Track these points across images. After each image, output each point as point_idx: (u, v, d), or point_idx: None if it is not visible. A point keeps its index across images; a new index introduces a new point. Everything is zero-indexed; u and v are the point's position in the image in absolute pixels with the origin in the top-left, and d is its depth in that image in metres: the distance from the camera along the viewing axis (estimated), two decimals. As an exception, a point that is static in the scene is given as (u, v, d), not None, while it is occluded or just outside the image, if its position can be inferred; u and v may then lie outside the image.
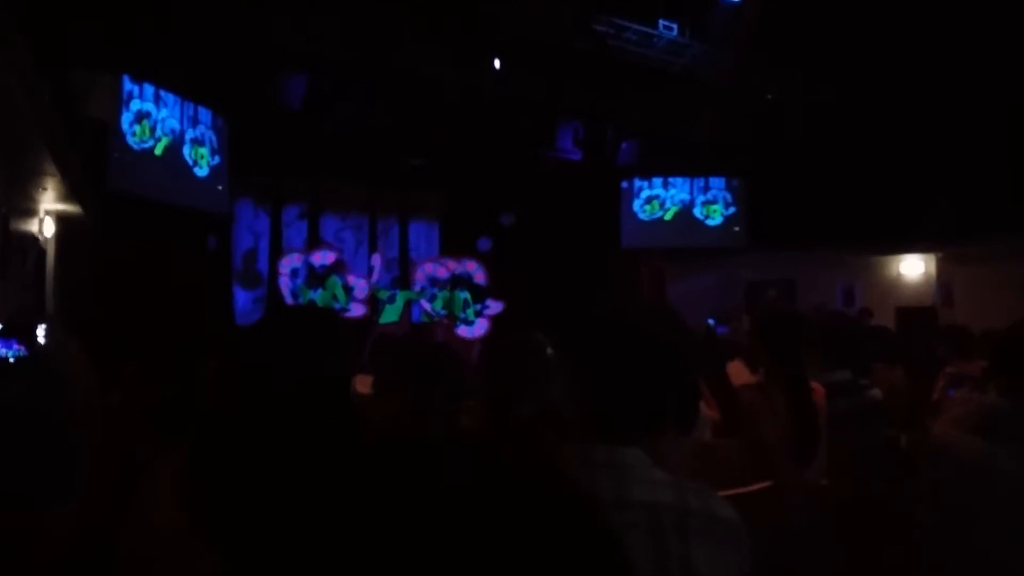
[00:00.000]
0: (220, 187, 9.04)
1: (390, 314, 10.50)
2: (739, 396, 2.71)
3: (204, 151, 8.68)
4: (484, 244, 11.97)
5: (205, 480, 1.16)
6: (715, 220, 12.06)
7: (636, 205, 12.14)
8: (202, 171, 8.68)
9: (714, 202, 12.06)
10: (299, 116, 9.39)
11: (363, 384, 2.68)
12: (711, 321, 10.01)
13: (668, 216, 12.01)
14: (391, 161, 10.76)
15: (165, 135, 8.03)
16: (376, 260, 11.13)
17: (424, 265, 11.18)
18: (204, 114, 8.68)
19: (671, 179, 12.10)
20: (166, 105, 8.08)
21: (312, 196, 11.21)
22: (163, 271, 8.04)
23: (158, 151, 7.96)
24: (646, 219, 12.12)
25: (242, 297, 10.61)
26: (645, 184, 12.14)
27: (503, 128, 10.46)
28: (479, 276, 11.24)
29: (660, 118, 10.93)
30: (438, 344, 2.39)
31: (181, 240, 8.67)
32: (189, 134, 8.45)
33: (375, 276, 10.87)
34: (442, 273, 11.02)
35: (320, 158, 10.21)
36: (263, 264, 10.82)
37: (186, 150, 8.42)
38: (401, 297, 10.62)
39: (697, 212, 12.07)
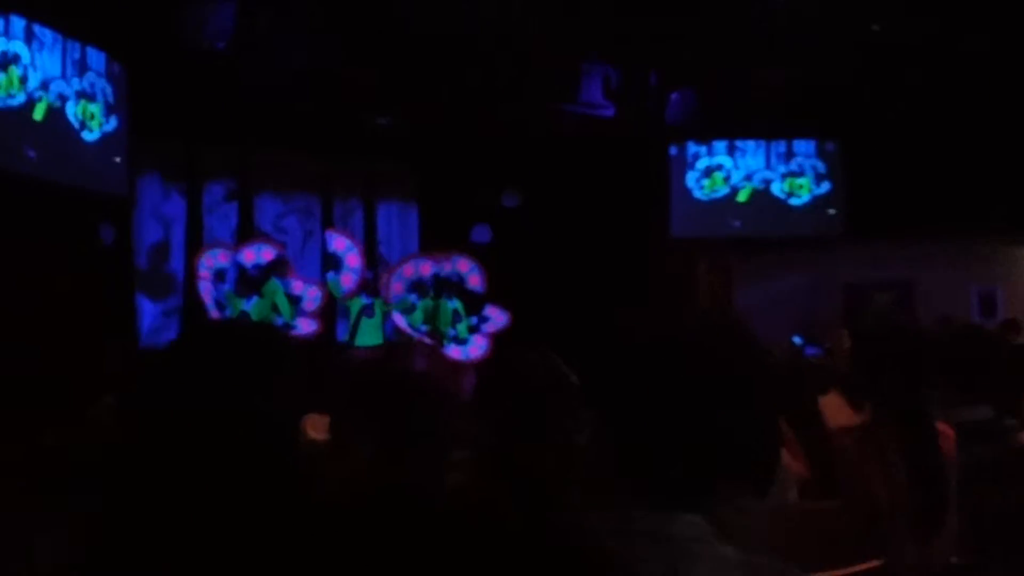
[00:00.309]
0: (117, 158, 9.07)
1: (369, 333, 10.45)
2: (836, 442, 2.70)
3: (96, 109, 8.70)
4: (481, 234, 11.98)
5: (102, 565, 1.17)
6: (802, 199, 12.04)
7: (691, 179, 12.14)
8: (92, 136, 8.70)
9: (800, 174, 12.05)
10: (224, 60, 9.40)
11: (316, 427, 2.69)
12: (797, 339, 9.98)
13: (742, 197, 11.99)
14: (350, 120, 10.78)
15: (43, 91, 8.05)
16: (343, 244, 10.98)
17: (402, 268, 11.15)
18: (95, 58, 8.70)
19: (739, 143, 12.09)
20: (42, 45, 8.09)
21: (243, 170, 11.24)
22: (40, 274, 8.06)
23: (37, 115, 7.98)
24: (705, 198, 12.11)
25: (149, 309, 10.62)
26: (703, 150, 12.13)
27: (505, 74, 10.47)
28: (474, 279, 11.24)
29: (724, 58, 10.91)
30: (416, 372, 2.40)
31: (64, 231, 8.69)
32: (75, 85, 8.48)
33: (350, 280, 10.80)
34: (426, 271, 11.01)
35: (254, 117, 10.23)
36: (177, 263, 10.84)
37: (71, 108, 8.43)
38: (378, 308, 10.58)
39: (777, 188, 12.06)
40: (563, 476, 1.94)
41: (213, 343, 1.30)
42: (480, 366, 10.37)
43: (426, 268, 11.04)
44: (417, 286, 10.95)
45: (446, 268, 11.12)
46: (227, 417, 1.21)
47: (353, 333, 10.42)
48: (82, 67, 8.56)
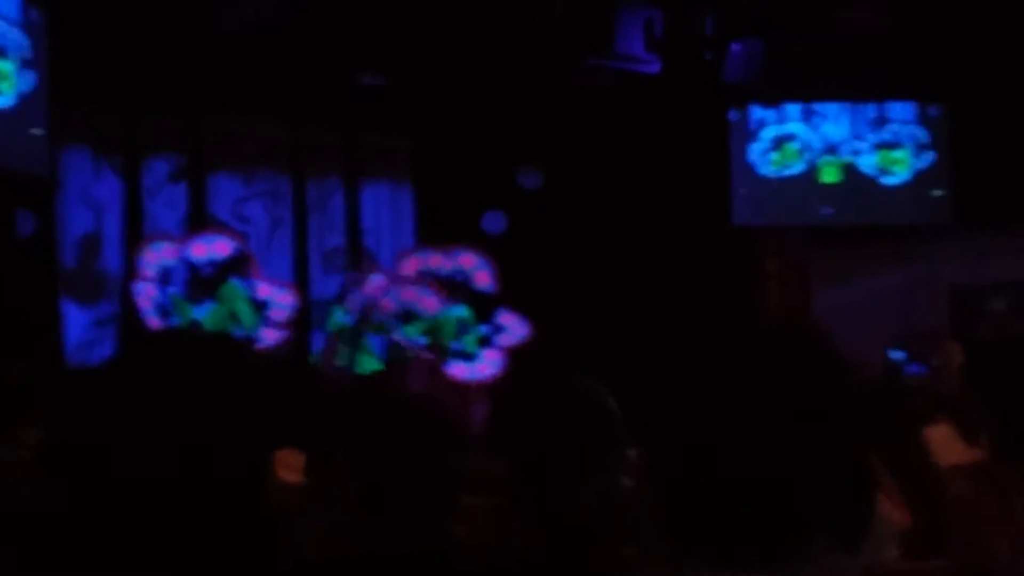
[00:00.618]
0: (36, 129, 9.09)
1: (368, 358, 10.39)
2: (946, 485, 2.69)
3: (7, 67, 8.74)
4: (492, 222, 11.97)
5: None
6: (898, 176, 11.99)
7: (755, 151, 12.10)
8: (5, 100, 8.74)
9: (896, 145, 11.99)
10: (170, 3, 9.43)
11: (289, 467, 2.70)
12: (895, 355, 9.94)
13: (827, 175, 11.91)
14: (328, 79, 10.79)
15: None
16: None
17: (400, 290, 11.02)
18: (6, 2, 8.75)
19: (817, 106, 12.05)
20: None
21: (193, 142, 11.25)
22: None
23: None
24: (773, 176, 12.08)
25: (76, 317, 10.65)
26: (770, 115, 12.10)
27: (522, 20, 10.46)
28: (481, 276, 11.23)
29: (798, -1, 10.89)
30: (415, 396, 2.41)
31: None
32: None
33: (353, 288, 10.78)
34: (430, 307, 10.81)
35: (207, 76, 10.25)
36: (112, 260, 10.87)
37: None
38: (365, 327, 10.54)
39: (866, 164, 12.01)
40: (605, 527, 1.94)
41: (161, 360, 1.29)
42: (494, 388, 10.36)
43: (431, 303, 10.88)
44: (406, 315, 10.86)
45: (446, 266, 11.12)
46: (181, 456, 1.20)
47: (352, 361, 10.34)
48: (-10, 12, 8.57)
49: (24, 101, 8.89)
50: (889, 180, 12.01)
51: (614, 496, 2.04)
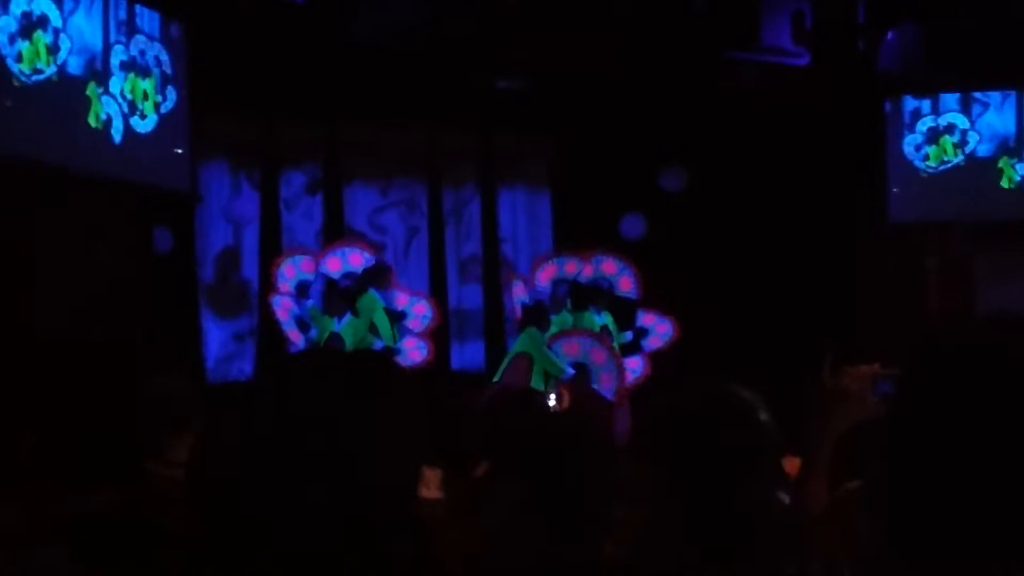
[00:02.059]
0: (178, 148, 9.24)
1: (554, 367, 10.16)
2: None
3: (148, 86, 8.88)
4: (632, 227, 11.90)
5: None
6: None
7: (909, 144, 11.83)
8: (146, 122, 8.87)
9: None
10: (305, 13, 9.60)
11: (428, 483, 2.71)
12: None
13: (1007, 174, 11.49)
14: (464, 84, 10.86)
15: (78, 62, 8.20)
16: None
17: (542, 274, 11.02)
18: (146, 17, 8.92)
19: (978, 95, 11.71)
20: (77, 3, 8.24)
21: (330, 152, 11.44)
22: (81, 288, 8.29)
23: (74, 95, 8.09)
24: (931, 172, 11.79)
25: (216, 333, 10.91)
26: (925, 105, 11.82)
27: (661, 17, 10.39)
28: (625, 282, 11.15)
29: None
30: (563, 411, 2.40)
31: (111, 237, 8.90)
32: (119, 54, 8.65)
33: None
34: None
35: (344, 85, 10.41)
36: (250, 274, 11.11)
37: (115, 85, 8.59)
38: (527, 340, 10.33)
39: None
40: (760, 541, 1.90)
41: (310, 377, 1.28)
42: (636, 396, 10.26)
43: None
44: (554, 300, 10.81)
45: (586, 271, 11.07)
46: (332, 477, 1.19)
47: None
48: (130, 28, 8.72)
49: (166, 120, 9.04)
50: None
51: (768, 509, 1.99)
